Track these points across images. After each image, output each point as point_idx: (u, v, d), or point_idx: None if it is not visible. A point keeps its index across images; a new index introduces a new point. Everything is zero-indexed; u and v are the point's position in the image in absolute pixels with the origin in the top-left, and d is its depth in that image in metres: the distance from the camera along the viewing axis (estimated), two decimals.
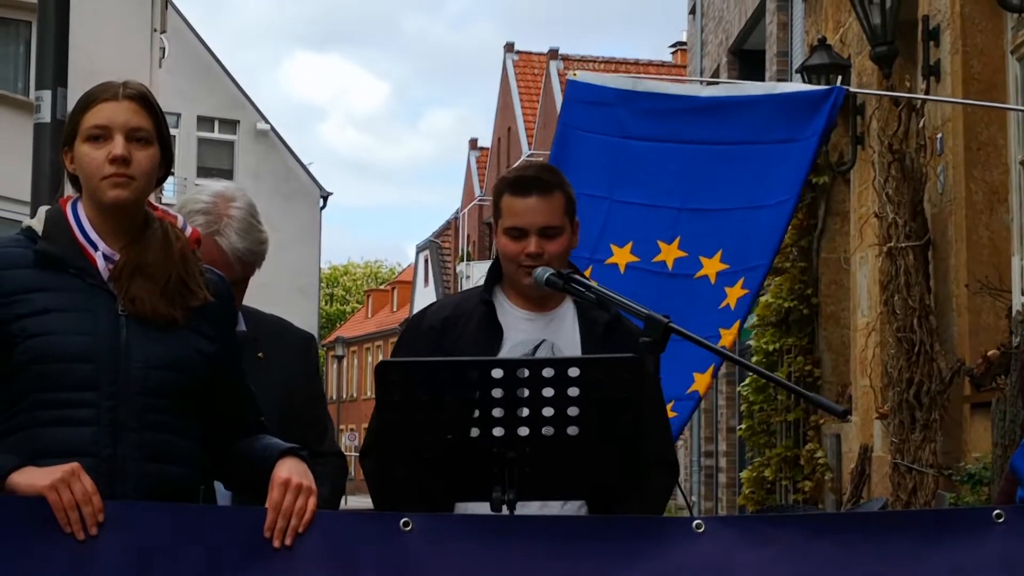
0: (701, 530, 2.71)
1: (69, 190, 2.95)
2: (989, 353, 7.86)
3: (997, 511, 2.71)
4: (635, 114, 5.70)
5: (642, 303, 5.17)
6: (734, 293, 5.61)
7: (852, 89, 6.33)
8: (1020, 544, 2.67)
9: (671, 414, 5.45)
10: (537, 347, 3.52)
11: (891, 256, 8.79)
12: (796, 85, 6.64)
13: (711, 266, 5.59)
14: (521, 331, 3.53)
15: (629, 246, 5.68)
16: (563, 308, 3.58)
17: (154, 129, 2.83)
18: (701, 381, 5.59)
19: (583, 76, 5.89)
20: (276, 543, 2.63)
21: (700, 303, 5.60)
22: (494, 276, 3.63)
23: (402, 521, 2.68)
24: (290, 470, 2.71)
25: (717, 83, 7.52)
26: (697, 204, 5.65)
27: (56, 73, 6.90)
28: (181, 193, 23.75)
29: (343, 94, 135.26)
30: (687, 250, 5.62)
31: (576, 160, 5.63)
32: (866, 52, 9.56)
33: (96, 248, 2.79)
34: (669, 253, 5.61)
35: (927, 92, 8.89)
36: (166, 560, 2.60)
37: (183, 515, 2.66)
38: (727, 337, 5.52)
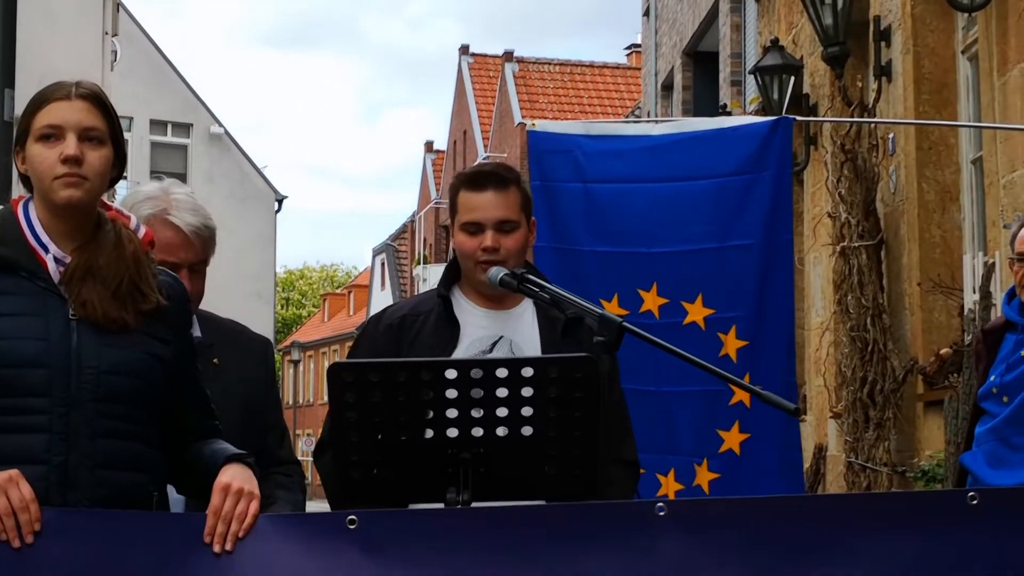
0: (663, 513, 2.67)
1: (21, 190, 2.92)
2: (942, 351, 7.92)
3: (971, 493, 2.73)
4: (591, 157, 5.66)
5: (644, 357, 5.11)
6: (731, 342, 5.47)
7: (798, 118, 6.37)
8: (993, 526, 2.69)
9: (711, 475, 5.40)
10: (495, 344, 3.52)
11: (844, 256, 8.85)
12: (745, 118, 6.66)
13: (696, 311, 5.50)
14: (479, 327, 3.54)
15: (616, 299, 5.55)
16: (522, 305, 3.59)
17: (107, 129, 2.80)
18: (731, 439, 5.49)
19: (541, 125, 5.85)
20: (216, 548, 2.60)
21: (696, 352, 5.42)
22: (451, 274, 3.64)
23: (348, 519, 2.66)
24: (232, 475, 2.69)
25: (667, 121, 7.53)
26: (665, 246, 5.57)
27: (4, 74, 6.86)
28: None
29: (301, 96, 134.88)
30: (667, 296, 5.53)
31: (552, 215, 5.57)
32: (818, 53, 9.62)
33: (47, 250, 2.76)
34: (652, 301, 5.53)
35: (879, 92, 8.97)
36: (108, 567, 2.57)
37: (125, 522, 2.63)
38: (741, 391, 5.36)
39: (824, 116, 9.87)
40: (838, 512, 2.75)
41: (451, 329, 3.53)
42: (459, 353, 3.49)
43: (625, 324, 3.11)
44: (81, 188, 2.74)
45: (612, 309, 5.44)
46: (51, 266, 2.75)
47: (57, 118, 2.75)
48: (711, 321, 5.47)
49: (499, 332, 3.55)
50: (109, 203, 2.89)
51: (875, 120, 8.75)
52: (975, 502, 2.71)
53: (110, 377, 2.72)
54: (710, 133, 5.73)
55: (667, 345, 3.29)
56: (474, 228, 3.52)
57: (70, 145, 2.73)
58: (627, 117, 28.93)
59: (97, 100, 2.80)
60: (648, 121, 14.05)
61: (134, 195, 3.43)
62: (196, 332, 3.43)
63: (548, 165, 5.66)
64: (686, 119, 9.54)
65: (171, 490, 2.94)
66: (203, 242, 3.41)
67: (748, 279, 5.52)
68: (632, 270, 5.55)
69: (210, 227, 3.44)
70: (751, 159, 5.55)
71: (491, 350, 3.51)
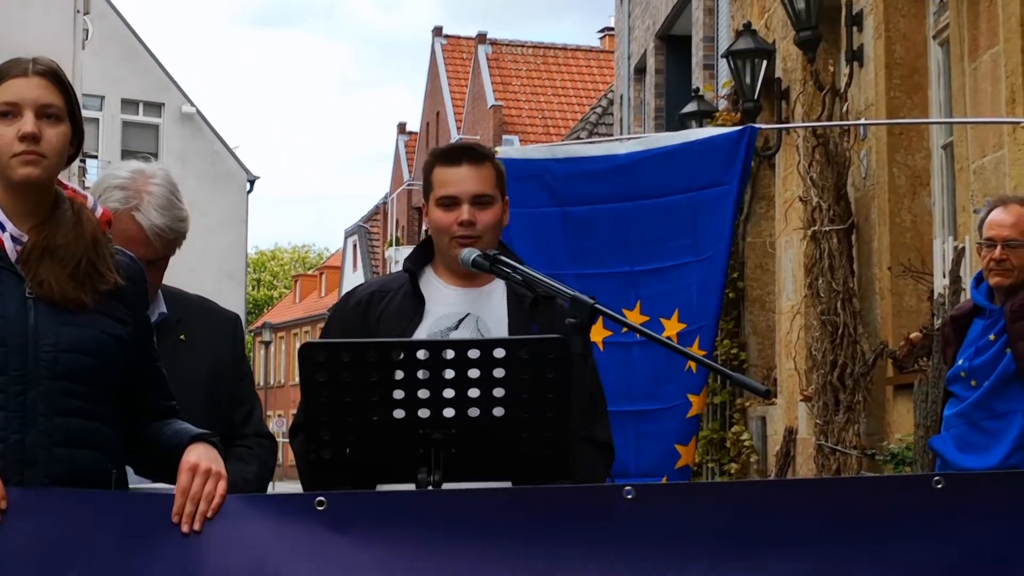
0: (631, 496, 2.68)
1: None
2: (911, 335, 7.97)
3: (936, 478, 2.74)
4: (562, 180, 5.67)
5: (622, 377, 5.13)
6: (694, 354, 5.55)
7: (761, 127, 6.39)
8: (957, 510, 2.71)
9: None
10: (461, 321, 3.52)
11: (815, 240, 8.89)
12: (709, 130, 6.71)
13: (671, 327, 5.53)
14: (447, 304, 3.53)
15: (600, 321, 5.58)
16: (493, 283, 3.59)
17: (65, 106, 2.77)
18: (687, 454, 5.51)
19: (505, 151, 5.86)
20: (185, 528, 2.60)
21: (669, 368, 5.51)
22: (423, 252, 3.63)
23: (316, 500, 2.65)
24: (199, 455, 2.68)
25: (631, 139, 7.57)
26: (645, 264, 5.60)
27: None
28: None
29: (275, 77, 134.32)
30: (648, 313, 5.55)
31: (530, 241, 5.56)
32: (790, 37, 9.65)
33: (4, 229, 2.73)
34: (635, 320, 5.52)
35: (850, 76, 9.00)
36: (74, 547, 2.56)
37: (91, 501, 2.62)
38: (697, 404, 5.45)
39: (796, 101, 9.90)
40: (805, 496, 2.77)
41: (416, 305, 3.52)
42: (424, 329, 3.48)
43: (597, 305, 3.12)
44: (39, 166, 2.72)
45: (597, 329, 5.46)
46: (8, 244, 2.73)
47: (14, 95, 2.72)
48: (682, 336, 5.52)
49: (466, 309, 3.53)
50: (66, 183, 2.86)
51: (838, 124, 8.76)
52: (940, 486, 2.73)
53: (67, 356, 2.70)
54: (678, 148, 5.75)
55: (649, 332, 3.32)
56: (450, 202, 3.51)
57: (28, 122, 2.70)
58: (600, 100, 28.93)
59: (54, 76, 2.77)
60: (612, 140, 14.10)
61: (108, 178, 3.37)
62: (162, 308, 3.41)
63: (520, 192, 5.67)
64: (651, 135, 9.60)
65: (130, 470, 2.92)
66: (165, 244, 3.35)
67: (714, 290, 5.57)
68: (616, 290, 5.56)
69: (176, 229, 3.36)
70: (719, 170, 5.58)
71: (456, 327, 3.50)
